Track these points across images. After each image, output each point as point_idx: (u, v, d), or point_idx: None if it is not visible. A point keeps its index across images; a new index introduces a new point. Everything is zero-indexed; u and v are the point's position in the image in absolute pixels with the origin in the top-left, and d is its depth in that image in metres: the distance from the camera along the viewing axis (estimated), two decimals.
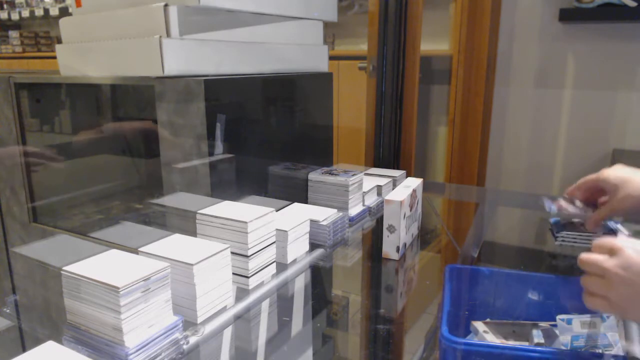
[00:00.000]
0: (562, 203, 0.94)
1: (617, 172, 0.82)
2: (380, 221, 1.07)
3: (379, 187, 1.20)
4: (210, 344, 0.66)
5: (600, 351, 0.63)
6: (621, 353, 0.62)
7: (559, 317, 0.66)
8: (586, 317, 0.65)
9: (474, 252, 1.01)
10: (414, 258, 0.99)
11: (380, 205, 1.16)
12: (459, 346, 0.58)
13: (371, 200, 1.17)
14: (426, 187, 1.21)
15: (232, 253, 0.74)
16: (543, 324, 0.70)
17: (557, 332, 0.67)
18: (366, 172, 1.29)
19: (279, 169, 1.07)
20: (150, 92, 0.88)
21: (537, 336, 0.67)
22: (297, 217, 0.90)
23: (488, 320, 0.73)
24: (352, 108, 2.17)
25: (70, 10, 1.03)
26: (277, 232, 0.84)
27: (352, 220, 1.07)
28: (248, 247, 0.75)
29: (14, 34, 3.96)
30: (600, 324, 0.65)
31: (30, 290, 1.16)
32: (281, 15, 1.05)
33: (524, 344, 0.68)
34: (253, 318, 0.74)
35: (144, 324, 0.59)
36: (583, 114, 1.92)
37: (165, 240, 0.72)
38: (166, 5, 0.82)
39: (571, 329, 0.65)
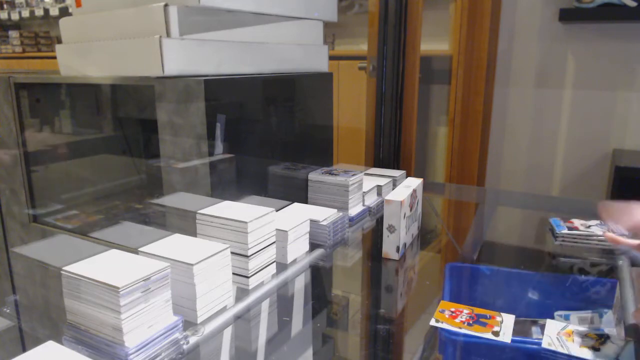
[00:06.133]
0: None
1: None
2: (380, 221, 1.07)
3: (379, 187, 1.20)
4: (210, 344, 0.66)
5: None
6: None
7: (557, 313, 0.66)
8: (583, 313, 0.65)
9: (474, 252, 1.01)
10: (414, 258, 0.99)
11: (380, 205, 1.16)
12: (459, 338, 0.58)
13: (371, 200, 1.17)
14: (426, 187, 1.21)
15: (232, 253, 0.74)
16: (542, 321, 0.70)
17: None
18: (366, 172, 1.29)
19: (279, 169, 1.07)
20: (150, 92, 0.89)
21: (536, 332, 0.67)
22: (297, 217, 0.90)
23: None
24: (352, 108, 2.17)
25: (70, 10, 1.03)
26: (277, 232, 0.84)
27: (352, 220, 1.07)
28: (248, 247, 0.75)
29: (14, 34, 3.96)
30: (598, 320, 0.65)
31: (30, 290, 1.16)
32: (281, 15, 1.05)
33: None
34: (253, 318, 0.74)
35: (144, 324, 0.59)
36: (583, 114, 1.92)
37: (165, 240, 0.72)
38: (166, 5, 0.82)
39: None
